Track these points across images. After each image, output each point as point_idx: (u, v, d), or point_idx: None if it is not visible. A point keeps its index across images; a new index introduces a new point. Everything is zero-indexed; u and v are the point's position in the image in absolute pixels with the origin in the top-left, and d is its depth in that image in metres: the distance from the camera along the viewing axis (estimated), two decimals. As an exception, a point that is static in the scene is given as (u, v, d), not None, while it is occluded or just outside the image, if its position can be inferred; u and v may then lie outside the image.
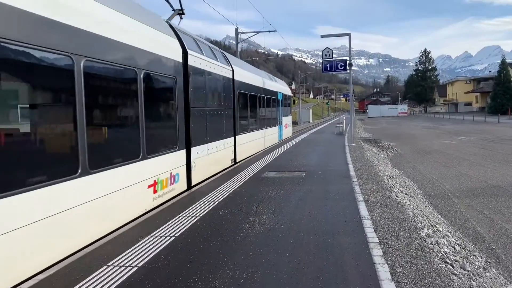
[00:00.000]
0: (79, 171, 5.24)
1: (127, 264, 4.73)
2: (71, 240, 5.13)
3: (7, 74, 4.45)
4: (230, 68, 13.06)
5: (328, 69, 20.59)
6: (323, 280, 4.19)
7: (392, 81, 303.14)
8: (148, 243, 5.46)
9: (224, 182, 9.92)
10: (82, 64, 5.29)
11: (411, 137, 31.78)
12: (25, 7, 4.38)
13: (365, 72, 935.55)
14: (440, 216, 9.09)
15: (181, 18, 12.80)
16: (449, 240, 6.53)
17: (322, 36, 20.92)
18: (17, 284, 4.26)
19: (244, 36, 32.29)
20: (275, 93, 21.37)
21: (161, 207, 7.46)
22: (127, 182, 6.49)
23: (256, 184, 9.73)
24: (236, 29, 29.67)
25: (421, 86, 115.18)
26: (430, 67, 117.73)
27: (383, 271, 4.41)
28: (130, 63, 6.65)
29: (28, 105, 4.92)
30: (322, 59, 20.57)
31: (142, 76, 6.99)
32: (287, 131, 26.37)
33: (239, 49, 30.44)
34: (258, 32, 31.58)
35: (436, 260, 4.97)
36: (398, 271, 4.45)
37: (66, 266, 4.69)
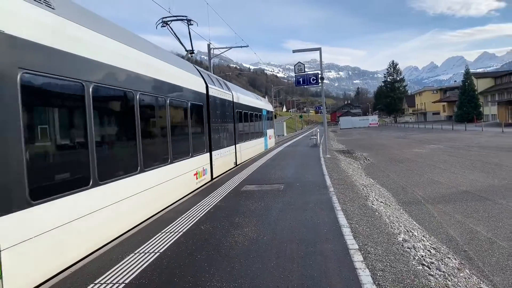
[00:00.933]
0: (169, 160, 9.24)
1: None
2: (174, 194, 9.60)
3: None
4: (230, 93, 17.13)
5: (301, 83, 20.99)
6: (308, 287, 4.35)
7: (362, 93, 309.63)
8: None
9: (204, 197, 9.99)
10: (168, 101, 9.36)
11: (383, 147, 32.58)
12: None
13: (336, 84, 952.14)
14: (415, 222, 9.42)
15: (191, 56, 16.60)
16: (424, 244, 6.81)
17: (294, 51, 21.35)
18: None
19: (216, 52, 32.58)
20: (261, 110, 25.55)
21: (198, 190, 11.31)
22: (186, 170, 10.50)
23: (236, 198, 9.84)
24: (209, 45, 29.91)
25: (390, 97, 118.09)
26: (398, 78, 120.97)
27: (365, 276, 4.61)
28: (184, 98, 10.73)
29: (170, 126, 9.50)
30: (295, 73, 20.97)
31: (189, 105, 11.11)
32: (271, 141, 30.96)
33: (212, 64, 30.68)
34: (231, 48, 31.95)
35: (413, 263, 5.20)
36: (378, 274, 4.65)
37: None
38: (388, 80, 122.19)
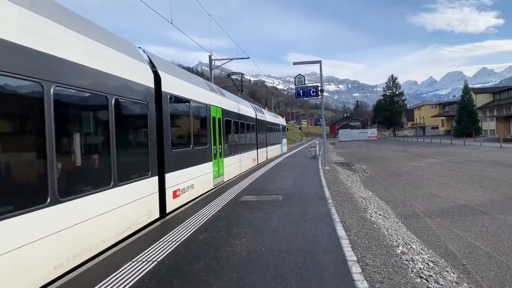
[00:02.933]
0: (192, 163, 11.31)
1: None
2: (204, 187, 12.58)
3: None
4: (265, 116, 27.68)
5: (301, 95, 21.10)
6: (306, 297, 4.34)
7: (361, 106, 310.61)
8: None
9: (203, 207, 9.97)
10: (219, 119, 14.32)
11: (382, 160, 32.59)
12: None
13: (335, 97, 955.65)
14: (413, 235, 9.40)
15: (241, 93, 23.94)
16: (423, 257, 6.80)
17: (295, 63, 21.50)
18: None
19: (218, 63, 32.78)
20: (278, 125, 35.89)
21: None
22: (205, 171, 12.71)
23: (235, 208, 9.83)
24: (210, 56, 30.11)
25: (389, 111, 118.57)
26: (397, 92, 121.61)
27: (363, 287, 4.60)
28: (249, 120, 19.01)
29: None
30: (295, 85, 21.10)
31: (251, 124, 20.12)
32: (285, 147, 42.34)
33: (213, 75, 30.85)
34: (232, 59, 32.13)
35: (411, 275, 5.20)
36: (377, 286, 4.64)
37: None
38: (387, 94, 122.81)
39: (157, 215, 8.70)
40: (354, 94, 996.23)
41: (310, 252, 5.96)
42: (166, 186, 9.28)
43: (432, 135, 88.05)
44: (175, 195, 9.81)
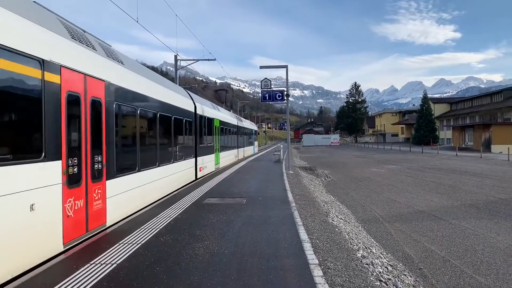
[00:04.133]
0: (206, 153, 18.88)
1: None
2: (211, 168, 20.29)
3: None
4: (248, 123, 42.78)
5: (267, 98, 21.20)
6: (268, 301, 4.32)
7: (325, 112, 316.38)
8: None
9: (164, 209, 9.79)
10: (216, 127, 21.61)
11: (344, 165, 33.25)
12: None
13: (300, 103, 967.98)
14: (373, 239, 9.61)
15: (224, 105, 36.03)
16: (382, 261, 6.95)
17: (261, 67, 21.57)
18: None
19: (183, 64, 32.41)
20: (252, 130, 45.23)
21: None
22: (212, 159, 20.44)
23: (198, 210, 9.71)
24: (176, 56, 29.74)
25: (351, 117, 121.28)
26: (360, 100, 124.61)
27: (324, 290, 4.63)
28: (212, 124, 21.14)
29: None
30: (261, 88, 21.17)
31: (239, 129, 31.99)
32: (256, 148, 50.92)
33: (178, 76, 30.49)
34: (198, 60, 31.85)
35: (371, 278, 5.29)
36: (338, 289, 4.69)
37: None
38: (350, 100, 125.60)
39: (193, 178, 16.44)
40: (318, 100, 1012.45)
41: (273, 255, 5.95)
42: (197, 164, 17.03)
43: (392, 142, 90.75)
44: (200, 169, 17.59)
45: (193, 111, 16.28)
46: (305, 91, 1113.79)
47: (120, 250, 6.25)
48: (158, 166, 11.36)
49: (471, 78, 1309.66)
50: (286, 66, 21.21)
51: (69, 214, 6.42)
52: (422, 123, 75.80)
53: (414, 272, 7.51)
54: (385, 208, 14.04)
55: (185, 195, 12.22)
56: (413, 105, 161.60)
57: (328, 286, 4.75)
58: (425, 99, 78.35)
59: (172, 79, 27.56)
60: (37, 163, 5.61)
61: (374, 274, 5.64)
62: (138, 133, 9.81)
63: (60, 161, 6.20)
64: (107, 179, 7.91)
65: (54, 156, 6.03)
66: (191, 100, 16.53)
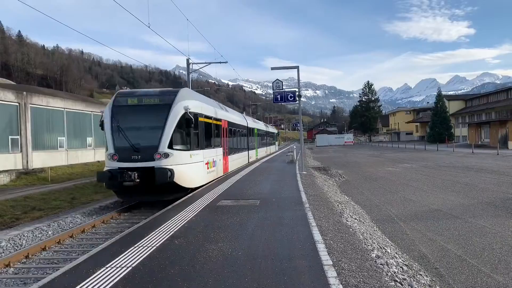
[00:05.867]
0: (252, 148, 32.48)
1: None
2: (253, 158, 33.06)
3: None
4: (270, 127, 55.34)
5: (279, 100, 21.21)
6: (282, 302, 4.34)
7: (338, 112, 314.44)
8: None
9: (179, 212, 9.87)
10: (255, 133, 34.65)
11: (358, 165, 33.04)
12: None
13: (312, 103, 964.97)
14: (387, 239, 9.54)
15: (244, 112, 50.57)
16: (397, 261, 6.91)
17: (273, 69, 21.62)
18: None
19: (195, 67, 32.63)
20: (274, 132, 55.84)
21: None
22: (254, 153, 33.56)
23: (212, 213, 9.78)
24: (188, 60, 29.96)
25: (365, 116, 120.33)
26: (373, 98, 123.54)
27: (339, 291, 4.63)
28: (252, 132, 34.03)
29: None
30: (273, 90, 21.19)
31: (275, 135, 55.55)
32: (277, 147, 60.61)
33: (190, 79, 30.69)
34: (210, 63, 32.04)
35: (386, 279, 5.26)
36: (352, 290, 4.68)
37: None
38: (363, 100, 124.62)
39: (247, 162, 28.46)
40: (331, 100, 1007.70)
41: (286, 256, 5.97)
42: (249, 155, 29.76)
43: (407, 141, 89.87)
44: (250, 158, 29.90)
45: (246, 124, 28.86)
46: (318, 91, 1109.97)
47: (136, 253, 6.33)
48: (236, 153, 24.01)
49: (486, 74, 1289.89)
50: (297, 67, 21.20)
51: (224, 165, 19.47)
52: (437, 121, 74.87)
53: (430, 271, 7.43)
54: (400, 207, 13.92)
55: (198, 197, 12.29)
56: (427, 102, 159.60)
57: (342, 287, 4.74)
58: (439, 97, 77.39)
59: (185, 83, 27.76)
60: (218, 148, 18.07)
61: (389, 274, 5.60)
62: (233, 137, 22.66)
63: (222, 148, 19.01)
64: (228, 155, 20.74)
65: (220, 146, 18.65)
66: (244, 119, 30.04)
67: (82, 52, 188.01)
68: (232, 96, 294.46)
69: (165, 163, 12.49)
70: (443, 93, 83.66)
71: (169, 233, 7.63)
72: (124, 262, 5.90)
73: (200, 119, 14.79)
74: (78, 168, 27.39)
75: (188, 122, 13.19)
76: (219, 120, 18.25)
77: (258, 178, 17.87)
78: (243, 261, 5.80)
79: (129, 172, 12.09)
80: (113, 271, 5.50)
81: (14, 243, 9.40)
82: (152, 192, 12.66)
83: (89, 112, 32.17)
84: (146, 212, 13.25)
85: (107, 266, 5.72)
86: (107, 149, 13.15)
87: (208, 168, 15.92)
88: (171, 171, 12.36)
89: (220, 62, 32.16)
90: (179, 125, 12.98)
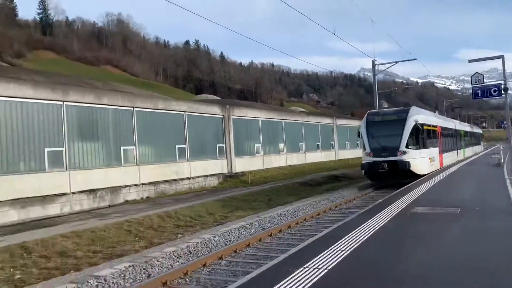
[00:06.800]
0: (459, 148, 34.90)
1: None
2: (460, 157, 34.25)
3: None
4: (476, 128, 58.27)
5: (479, 95, 19.01)
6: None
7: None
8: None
9: (371, 217, 9.76)
10: (463, 133, 37.10)
11: None
12: None
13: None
14: None
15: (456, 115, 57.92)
16: None
17: (470, 61, 19.46)
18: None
19: (381, 67, 31.83)
20: (479, 133, 55.91)
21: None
22: (464, 152, 36.47)
23: (404, 220, 9.36)
24: (373, 62, 29.44)
25: None
26: None
27: None
28: (470, 132, 42.04)
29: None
30: (472, 85, 19.08)
31: (468, 133, 44.36)
32: (482, 147, 58.69)
33: (376, 81, 30.04)
34: (397, 62, 30.86)
35: None
36: None
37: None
38: None
39: (456, 160, 30.21)
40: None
41: (494, 272, 5.28)
42: (458, 154, 31.82)
43: None
44: (458, 157, 32.28)
45: (454, 127, 30.96)
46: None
47: (331, 256, 6.53)
48: (448, 152, 26.43)
49: None
50: (502, 56, 18.63)
51: (440, 161, 23.46)
52: None
53: None
54: None
55: (388, 204, 11.90)
56: None
57: None
58: None
59: (370, 85, 27.30)
60: (436, 148, 22.92)
61: None
62: (445, 138, 25.28)
63: (438, 147, 23.20)
64: (442, 153, 24.20)
65: (437, 146, 22.98)
66: (452, 122, 32.24)
67: (272, 65, 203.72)
68: (422, 95, 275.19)
69: (404, 157, 18.11)
70: None
71: (362, 239, 7.60)
72: (320, 264, 6.14)
73: (424, 127, 19.93)
74: (272, 171, 29.66)
75: (417, 130, 18.84)
76: (435, 126, 23.24)
77: (456, 184, 16.24)
78: (441, 275, 5.37)
79: (382, 164, 18.35)
80: (310, 272, 5.79)
81: (224, 239, 10.78)
82: (395, 176, 18.50)
83: (280, 120, 34.50)
84: (336, 215, 13.53)
85: (304, 266, 6.05)
86: (364, 149, 19.85)
87: (430, 162, 20.99)
88: (408, 163, 18.01)
89: (408, 60, 30.61)
90: (412, 132, 18.59)
